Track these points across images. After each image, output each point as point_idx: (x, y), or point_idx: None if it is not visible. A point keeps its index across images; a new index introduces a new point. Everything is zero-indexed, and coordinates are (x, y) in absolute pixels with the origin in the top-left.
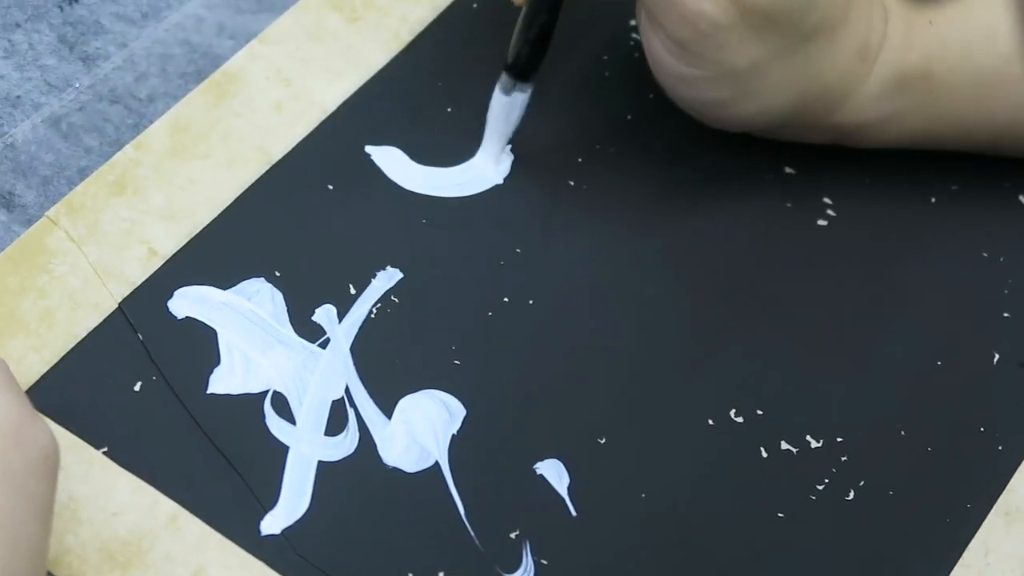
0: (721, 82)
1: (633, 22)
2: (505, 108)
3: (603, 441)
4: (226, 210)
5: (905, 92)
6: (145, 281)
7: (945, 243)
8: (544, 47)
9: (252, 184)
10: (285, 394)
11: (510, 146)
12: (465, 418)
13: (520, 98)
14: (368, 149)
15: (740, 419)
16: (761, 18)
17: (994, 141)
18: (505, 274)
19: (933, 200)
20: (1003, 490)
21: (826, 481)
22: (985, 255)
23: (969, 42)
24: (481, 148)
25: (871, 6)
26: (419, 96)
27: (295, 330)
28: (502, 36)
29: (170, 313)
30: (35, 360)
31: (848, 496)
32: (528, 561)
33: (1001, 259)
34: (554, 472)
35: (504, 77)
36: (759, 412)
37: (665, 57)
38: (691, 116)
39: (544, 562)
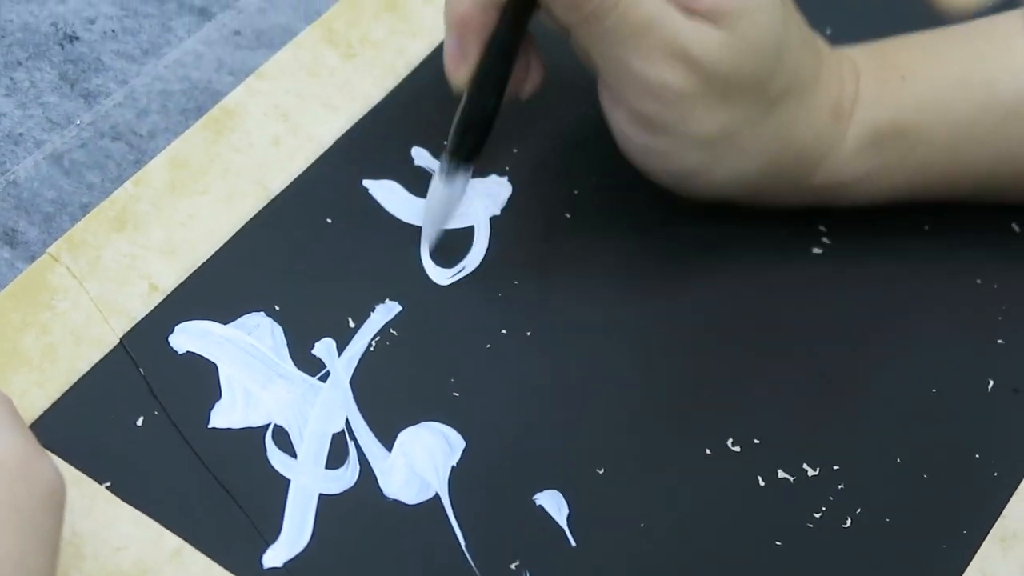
0: (690, 151)
1: None
2: (446, 195)
3: (602, 472)
4: (225, 245)
5: (883, 149)
6: (146, 316)
7: (939, 270)
8: (487, 132)
9: (251, 219)
10: (286, 428)
11: (507, 177)
12: (464, 450)
13: (461, 184)
14: (366, 183)
15: (737, 448)
16: (725, 85)
17: (975, 191)
18: (503, 306)
19: (926, 227)
20: (999, 516)
21: (823, 509)
22: (979, 281)
23: (943, 94)
24: (424, 238)
25: (841, 65)
26: (416, 130)
27: (295, 364)
28: None
29: (171, 348)
30: (38, 395)
31: (845, 523)
32: None
33: (995, 285)
34: (553, 503)
35: (443, 163)
36: (756, 441)
37: (631, 130)
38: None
39: None
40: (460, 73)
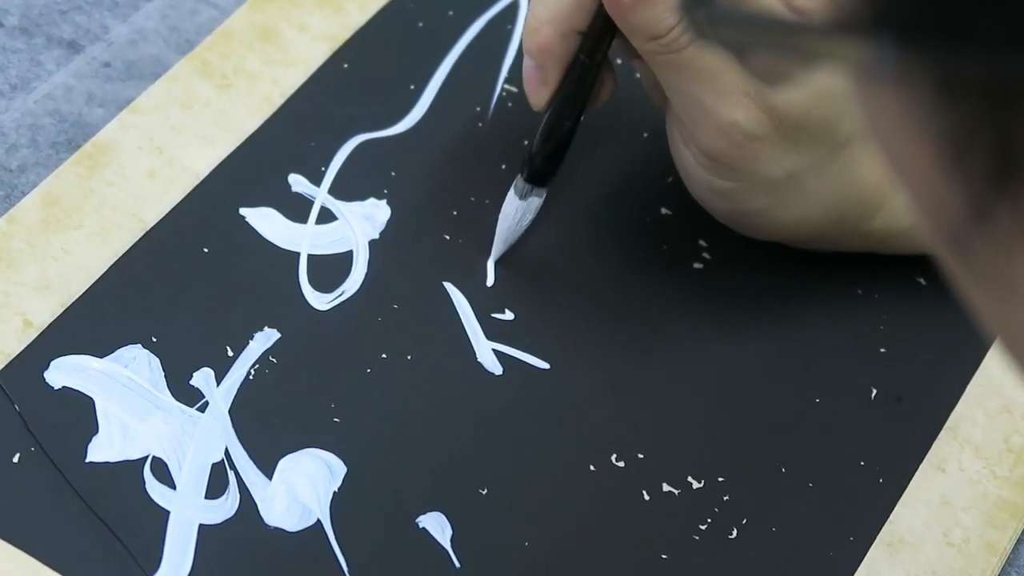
0: (757, 193)
1: (504, 80)
2: (518, 212)
3: (484, 492)
4: (100, 279)
5: None
6: (20, 353)
7: (820, 281)
8: (564, 152)
9: (126, 252)
10: (164, 459)
11: (385, 200)
12: (346, 475)
13: (535, 203)
14: (243, 211)
15: (621, 463)
16: (794, 128)
17: None
18: (383, 329)
19: None
20: (885, 522)
21: (709, 520)
22: (860, 292)
23: None
24: (492, 251)
25: None
26: (292, 157)
27: (173, 395)
28: (373, 95)
29: (47, 384)
30: None
31: (731, 534)
32: None
33: (876, 296)
34: (436, 525)
35: (519, 181)
36: (640, 455)
37: (699, 172)
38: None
39: None
40: (540, 96)
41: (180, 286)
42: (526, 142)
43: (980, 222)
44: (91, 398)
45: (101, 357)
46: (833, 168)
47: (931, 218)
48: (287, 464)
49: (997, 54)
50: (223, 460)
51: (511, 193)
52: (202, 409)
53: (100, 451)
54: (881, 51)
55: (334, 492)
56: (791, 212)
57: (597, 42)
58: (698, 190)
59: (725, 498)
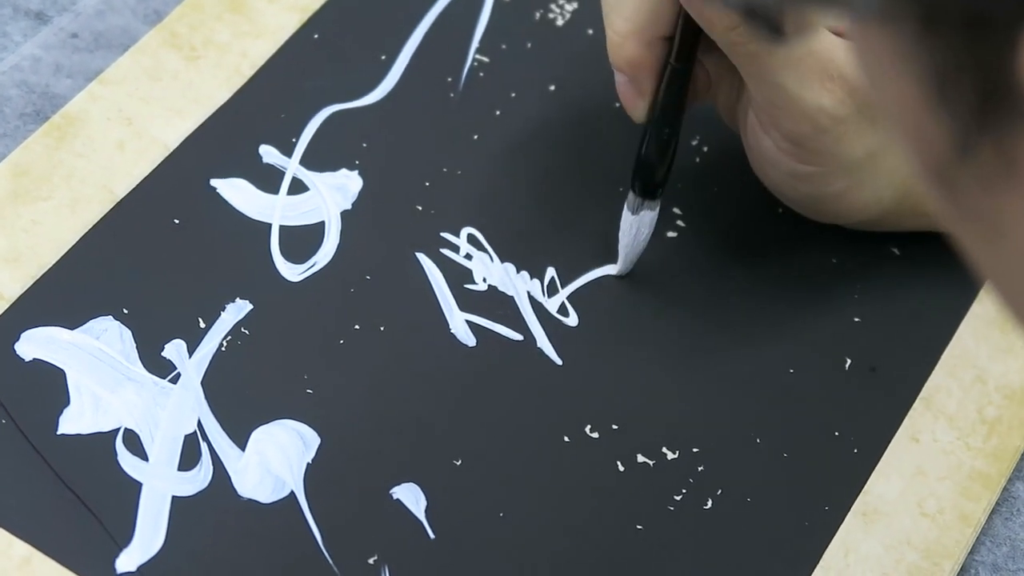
0: (837, 175)
1: (475, 50)
2: (633, 227)
3: (459, 463)
4: (71, 250)
5: None
6: None
7: (795, 250)
8: (672, 161)
9: (96, 223)
10: (137, 431)
11: (356, 171)
12: (320, 446)
13: (648, 216)
14: (214, 182)
15: (596, 434)
16: (876, 107)
17: None
18: (355, 301)
19: (780, 210)
20: (860, 491)
21: (684, 491)
22: (834, 261)
23: None
24: (618, 268)
25: None
26: (263, 128)
27: (145, 367)
28: (344, 66)
29: (17, 356)
30: None
31: (706, 505)
32: None
33: (850, 266)
34: (411, 496)
35: (631, 197)
36: (614, 427)
37: (779, 157)
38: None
39: None
40: (640, 108)
41: (151, 257)
42: (637, 152)
43: (964, 158)
44: (62, 370)
45: (72, 329)
46: None
47: (919, 157)
48: (260, 435)
49: None
50: (196, 432)
51: (625, 210)
52: (174, 381)
53: (72, 423)
54: None
55: (308, 463)
56: (865, 192)
57: (685, 44)
58: (776, 176)
59: (700, 469)
